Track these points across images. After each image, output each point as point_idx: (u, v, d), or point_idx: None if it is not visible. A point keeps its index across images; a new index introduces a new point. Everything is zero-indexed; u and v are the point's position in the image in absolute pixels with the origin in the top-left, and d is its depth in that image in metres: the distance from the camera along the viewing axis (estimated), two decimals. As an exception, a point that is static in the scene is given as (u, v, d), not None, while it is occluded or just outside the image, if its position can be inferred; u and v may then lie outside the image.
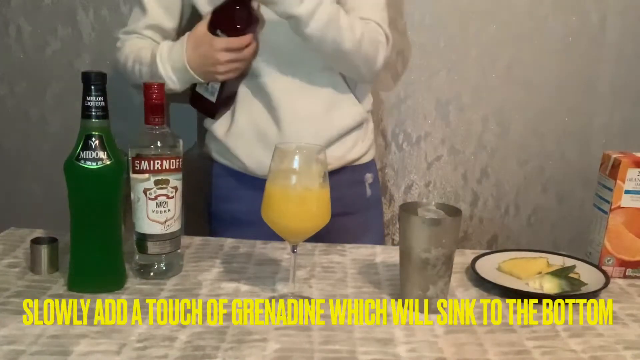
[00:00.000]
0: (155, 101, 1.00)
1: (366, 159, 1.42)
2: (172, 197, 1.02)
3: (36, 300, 0.93)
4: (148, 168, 0.99)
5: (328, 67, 1.31)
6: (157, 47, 1.27)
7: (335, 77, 1.33)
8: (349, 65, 1.29)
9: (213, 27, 1.22)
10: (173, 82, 1.25)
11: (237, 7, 1.22)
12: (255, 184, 1.27)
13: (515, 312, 0.96)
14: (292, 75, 1.29)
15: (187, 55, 1.23)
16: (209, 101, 1.32)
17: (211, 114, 1.36)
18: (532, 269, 1.08)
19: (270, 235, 1.14)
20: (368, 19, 1.29)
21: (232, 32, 1.22)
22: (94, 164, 0.92)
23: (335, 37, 1.20)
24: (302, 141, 1.28)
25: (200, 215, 1.76)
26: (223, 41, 1.21)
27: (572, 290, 1.01)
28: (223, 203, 1.42)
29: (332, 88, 1.32)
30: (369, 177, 1.43)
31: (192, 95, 1.34)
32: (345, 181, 1.35)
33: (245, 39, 1.22)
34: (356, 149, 1.38)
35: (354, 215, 1.39)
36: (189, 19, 1.38)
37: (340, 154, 1.35)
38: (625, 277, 1.12)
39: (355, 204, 1.40)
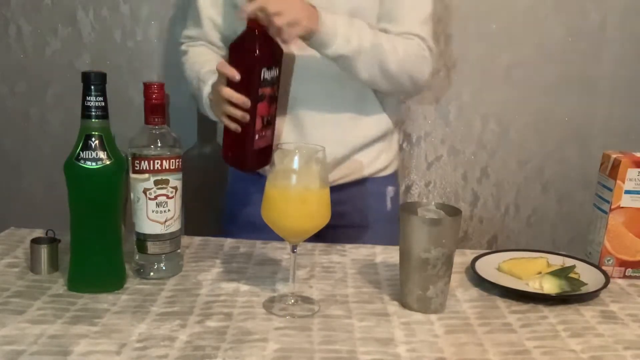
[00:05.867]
0: (155, 101, 1.00)
1: (389, 171, 1.37)
2: (172, 197, 1.02)
3: (36, 300, 0.93)
4: (148, 168, 0.99)
5: None
6: (205, 74, 1.23)
7: (363, 85, 1.27)
8: (394, 85, 1.26)
9: (229, 62, 1.12)
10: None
11: (247, 41, 1.11)
12: None
13: (515, 312, 0.96)
14: (319, 79, 1.24)
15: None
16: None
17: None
18: (532, 269, 1.08)
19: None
20: (410, 34, 1.25)
21: (238, 67, 1.10)
22: (94, 164, 0.92)
23: (381, 63, 1.20)
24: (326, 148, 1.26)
25: (199, 215, 1.76)
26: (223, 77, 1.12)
27: (572, 290, 1.01)
28: (239, 206, 1.39)
29: (359, 95, 1.28)
30: (390, 190, 1.38)
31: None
32: (366, 193, 1.33)
33: (233, 73, 1.09)
34: (380, 160, 1.34)
35: (372, 229, 1.34)
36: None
37: (362, 165, 1.32)
38: (625, 277, 1.12)
39: (375, 218, 1.35)
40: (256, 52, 1.09)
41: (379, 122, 1.32)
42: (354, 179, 1.32)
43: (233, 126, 1.12)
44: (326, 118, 1.27)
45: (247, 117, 1.11)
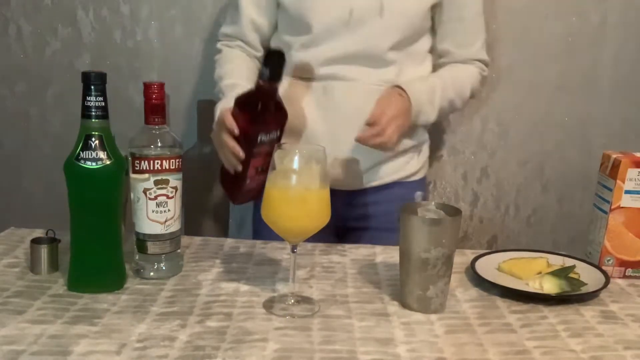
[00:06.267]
0: (155, 101, 1.00)
1: (418, 176, 1.38)
2: (172, 197, 1.02)
3: (36, 300, 0.93)
4: (148, 168, 0.99)
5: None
6: (224, 87, 1.24)
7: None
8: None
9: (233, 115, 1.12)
10: None
11: (250, 105, 1.10)
12: None
13: (515, 312, 0.96)
14: (358, 89, 1.24)
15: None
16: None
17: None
18: (532, 269, 1.08)
19: None
20: (475, 60, 1.34)
21: (238, 123, 1.10)
22: (94, 164, 0.92)
23: (452, 108, 1.35)
24: (355, 151, 1.25)
25: (200, 215, 1.76)
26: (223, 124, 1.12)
27: (572, 290, 1.01)
28: None
29: None
30: (419, 195, 1.33)
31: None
32: (394, 197, 1.32)
33: (233, 127, 1.10)
34: (410, 165, 1.35)
35: (398, 232, 1.34)
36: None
37: (392, 170, 1.33)
38: (625, 277, 1.12)
39: None
40: (255, 120, 1.09)
41: (415, 132, 1.33)
42: (382, 183, 1.33)
43: (227, 165, 1.14)
44: (362, 126, 1.23)
45: (240, 167, 1.12)
